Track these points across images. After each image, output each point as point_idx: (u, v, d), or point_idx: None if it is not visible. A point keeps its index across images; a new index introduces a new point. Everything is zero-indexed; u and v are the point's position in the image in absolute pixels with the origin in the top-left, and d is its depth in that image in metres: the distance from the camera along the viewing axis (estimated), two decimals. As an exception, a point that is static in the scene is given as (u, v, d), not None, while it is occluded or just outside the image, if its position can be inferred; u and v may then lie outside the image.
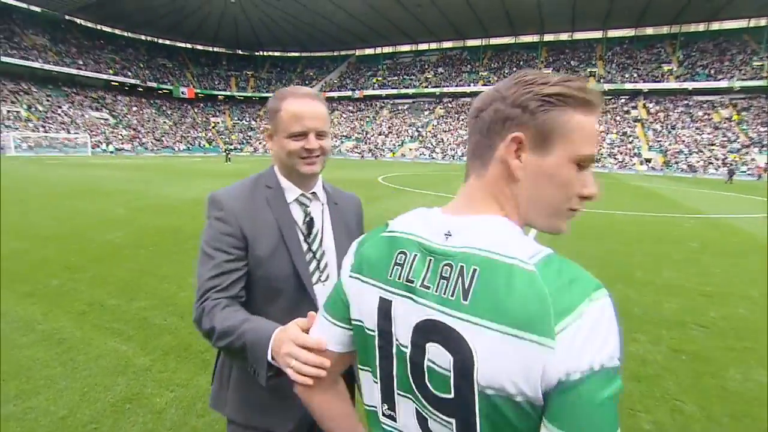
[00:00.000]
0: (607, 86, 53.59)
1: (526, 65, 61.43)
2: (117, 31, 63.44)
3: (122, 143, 48.31)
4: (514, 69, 61.19)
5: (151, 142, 51.88)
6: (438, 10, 55.39)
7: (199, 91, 65.99)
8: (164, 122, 58.23)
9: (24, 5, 52.57)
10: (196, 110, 65.38)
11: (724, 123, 47.00)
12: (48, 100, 48.90)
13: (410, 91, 63.46)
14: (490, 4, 52.83)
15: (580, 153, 0.64)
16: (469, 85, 61.10)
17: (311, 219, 1.21)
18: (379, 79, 67.64)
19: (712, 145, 44.29)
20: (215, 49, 74.88)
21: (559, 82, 0.64)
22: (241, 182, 1.22)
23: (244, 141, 62.43)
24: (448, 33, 64.81)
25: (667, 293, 4.97)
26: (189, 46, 72.18)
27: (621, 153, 45.96)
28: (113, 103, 55.92)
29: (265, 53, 77.87)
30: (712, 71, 50.90)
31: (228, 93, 69.72)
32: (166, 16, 58.75)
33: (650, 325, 4.03)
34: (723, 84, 48.85)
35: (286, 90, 1.16)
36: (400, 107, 64.31)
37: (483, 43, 66.61)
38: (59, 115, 47.59)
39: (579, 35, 62.33)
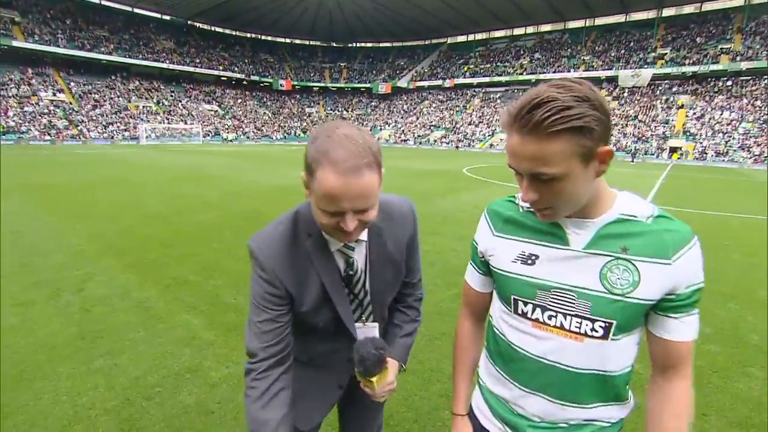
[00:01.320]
0: (745, 65, 45.42)
1: (638, 46, 54.87)
2: (227, 31, 69.69)
3: (228, 132, 53.42)
4: (623, 52, 55.19)
5: (253, 131, 56.60)
6: (537, -9, 51.72)
7: (295, 83, 70.13)
8: (264, 113, 63.00)
9: (157, 15, 60.55)
10: (292, 101, 69.74)
11: None
12: (172, 95, 55.72)
13: (504, 78, 60.46)
14: (597, -20, 47.85)
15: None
16: (569, 71, 56.34)
17: (354, 265, 1.12)
18: (471, 67, 65.58)
19: None
20: (311, 43, 78.71)
21: None
22: (278, 230, 1.07)
23: (336, 131, 65.12)
24: (546, 15, 60.40)
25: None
26: (288, 40, 76.72)
27: (758, 144, 39.00)
28: (222, 96, 61.89)
29: (357, 45, 79.92)
30: None
31: (322, 84, 73.04)
32: (268, 14, 63.22)
33: None
34: None
35: (325, 144, 0.89)
36: (492, 96, 61.76)
37: (587, 24, 60.91)
38: (179, 108, 54.00)
39: (710, 5, 53.52)
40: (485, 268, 1.06)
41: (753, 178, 22.03)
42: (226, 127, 54.97)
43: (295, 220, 1.08)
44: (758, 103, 43.31)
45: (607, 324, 0.85)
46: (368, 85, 71.87)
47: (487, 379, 1.07)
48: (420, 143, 56.02)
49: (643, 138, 44.42)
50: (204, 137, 49.26)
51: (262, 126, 59.62)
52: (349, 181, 0.86)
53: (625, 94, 51.63)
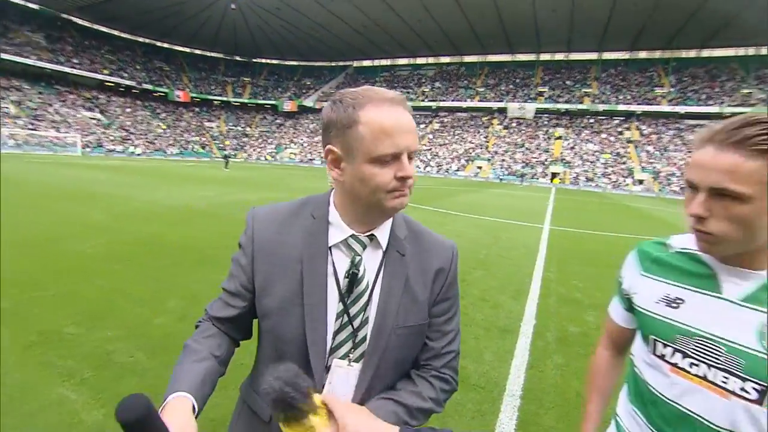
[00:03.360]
0: (601, 107, 54.25)
1: (522, 83, 62.02)
2: (115, 32, 62.86)
3: (113, 144, 47.46)
4: (511, 87, 61.87)
5: (144, 144, 51.04)
6: (436, 25, 55.82)
7: (194, 95, 65.60)
8: (158, 125, 57.47)
9: (21, 2, 51.95)
10: (190, 114, 64.83)
11: (716, 147, 47.42)
12: (39, 98, 47.95)
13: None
14: (487, 22, 53.33)
15: None
16: (465, 100, 61.45)
17: (357, 271, 0.87)
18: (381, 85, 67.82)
19: (704, 168, 44.55)
20: (213, 54, 74.68)
21: None
22: (288, 203, 0.96)
23: (239, 147, 61.87)
24: (445, 48, 65.34)
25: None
26: (187, 50, 71.86)
27: (615, 173, 46.15)
28: (107, 103, 55.09)
29: (262, 60, 77.83)
30: (703, 96, 51.78)
31: (223, 98, 69.32)
32: (165, 19, 58.57)
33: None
34: (713, 109, 49.69)
35: (357, 92, 0.81)
36: (396, 120, 64.40)
37: (480, 59, 67.23)
38: (50, 113, 46.64)
39: (574, 56, 63.20)
40: (628, 304, 1.05)
41: (616, 201, 25.65)
42: (112, 138, 48.78)
43: (305, 201, 0.96)
44: (611, 138, 51.66)
45: (763, 387, 0.78)
46: (273, 102, 70.13)
47: (623, 417, 1.04)
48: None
49: (530, 164, 49.62)
50: (83, 148, 43.03)
51: (155, 139, 54.14)
52: (400, 111, 0.80)
53: (514, 125, 57.53)
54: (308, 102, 68.21)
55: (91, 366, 2.97)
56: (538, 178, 47.06)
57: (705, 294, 0.86)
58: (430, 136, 58.41)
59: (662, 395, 0.91)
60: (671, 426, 0.89)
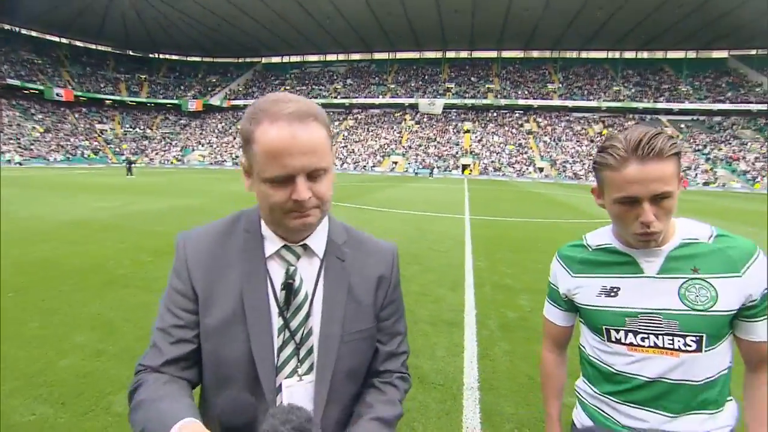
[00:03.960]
0: (503, 101, 58.52)
1: (431, 80, 64.53)
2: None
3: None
4: (420, 83, 64.00)
5: (15, 151, 44.02)
6: (346, 22, 55.76)
7: (80, 93, 57.91)
8: (33, 128, 49.98)
9: None
10: (76, 115, 57.18)
11: (597, 137, 53.87)
12: None
13: (319, 101, 62.83)
14: (395, 20, 54.56)
15: None
16: (377, 97, 62.33)
17: (293, 282, 0.84)
18: (287, 88, 65.95)
19: (590, 155, 50.34)
20: (99, 48, 66.82)
21: None
22: (219, 221, 0.91)
23: (138, 150, 56.10)
24: (355, 44, 65.61)
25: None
26: (65, 41, 63.35)
27: (518, 162, 50.08)
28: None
29: (161, 56, 71.51)
30: (585, 92, 58.34)
31: (117, 97, 62.28)
32: (33, 3, 50.77)
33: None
34: (593, 104, 56.41)
35: (264, 103, 0.77)
36: (309, 117, 63.42)
37: (390, 57, 68.61)
38: None
39: (477, 54, 67.24)
40: (568, 305, 1.18)
41: (522, 188, 27.87)
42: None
43: (236, 218, 0.91)
44: (514, 130, 56.12)
45: (698, 337, 0.96)
46: (176, 102, 64.71)
47: (596, 407, 1.13)
48: (238, 164, 53.14)
49: (442, 157, 51.92)
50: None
51: (32, 144, 47.02)
52: (296, 130, 0.74)
53: (425, 120, 59.68)
54: (215, 101, 64.16)
55: (-19, 429, 2.41)
56: (450, 170, 49.41)
57: (633, 277, 1.02)
58: (345, 134, 58.40)
59: (628, 373, 1.04)
60: (642, 394, 1.02)
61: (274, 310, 0.84)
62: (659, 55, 61.94)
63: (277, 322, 0.83)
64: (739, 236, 1.00)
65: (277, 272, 0.85)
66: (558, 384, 1.27)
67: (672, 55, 61.42)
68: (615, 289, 1.04)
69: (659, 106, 54.47)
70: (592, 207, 16.83)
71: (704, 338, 0.96)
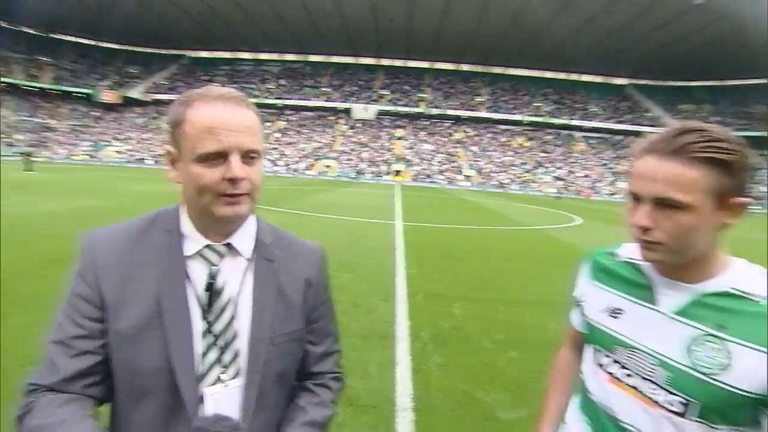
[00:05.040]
0: (434, 111, 60.63)
1: (365, 86, 65.02)
2: None
3: None
4: (355, 88, 64.22)
5: None
6: (280, 21, 54.34)
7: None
8: None
9: None
10: (-48, 99, 49.35)
11: (520, 148, 57.77)
12: None
13: (251, 100, 60.28)
14: (331, 22, 54.30)
15: None
16: (311, 99, 61.47)
17: (215, 284, 0.80)
18: (216, 85, 62.41)
19: (514, 165, 53.81)
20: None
21: None
22: (133, 220, 0.85)
23: (38, 143, 49.59)
24: (290, 45, 64.22)
25: (549, 311, 4.94)
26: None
27: (448, 170, 51.98)
28: None
29: (67, 38, 64.09)
30: (510, 106, 62.34)
31: (9, 80, 54.61)
32: None
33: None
34: (517, 117, 60.53)
35: (195, 91, 0.79)
36: (239, 116, 60.90)
37: (325, 59, 68.01)
38: None
39: (412, 63, 68.93)
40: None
41: (453, 195, 28.85)
42: None
43: (154, 217, 0.85)
44: (444, 139, 58.27)
45: (685, 401, 0.78)
46: (87, 91, 58.30)
47: (571, 424, 1.04)
48: (160, 163, 49.30)
49: (375, 162, 52.36)
50: None
51: None
52: (232, 109, 0.76)
53: (359, 125, 59.89)
54: (134, 93, 58.97)
55: None
56: (382, 176, 49.95)
57: (642, 305, 0.87)
58: (278, 135, 56.72)
59: (603, 405, 0.92)
60: None
61: (195, 313, 0.78)
62: (574, 77, 67.94)
63: (199, 326, 0.78)
64: None
65: (198, 273, 0.80)
66: (565, 379, 1.12)
67: (584, 78, 67.74)
68: (619, 311, 0.90)
69: (573, 123, 59.76)
70: (520, 215, 17.77)
71: (695, 405, 0.77)
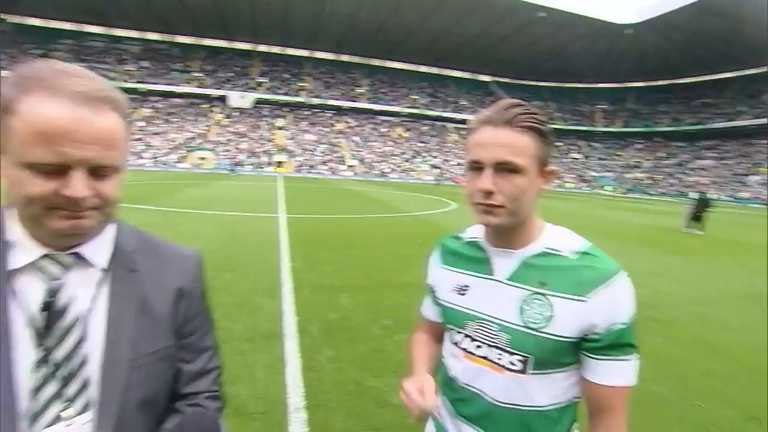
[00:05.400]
0: (315, 100, 59.86)
1: (242, 72, 61.24)
2: None
3: None
4: (230, 75, 60.01)
5: None
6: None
7: None
8: None
9: None
10: None
11: (399, 139, 60.48)
12: None
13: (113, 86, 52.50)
14: (201, 1, 49.64)
15: None
16: (180, 85, 55.65)
17: (56, 302, 0.66)
18: (65, 64, 52.68)
19: (394, 155, 56.13)
20: None
21: None
22: None
23: None
24: (152, 23, 57.02)
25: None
26: None
27: (331, 161, 52.01)
28: None
29: None
30: (389, 98, 64.62)
31: None
32: None
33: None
34: (396, 109, 63.14)
35: (42, 71, 0.60)
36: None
37: (195, 42, 62.13)
38: None
39: (290, 51, 66.80)
40: (435, 298, 1.09)
41: (337, 185, 28.96)
42: None
43: None
44: (326, 129, 58.03)
45: (524, 358, 0.86)
46: None
47: (441, 410, 1.05)
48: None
49: (255, 153, 49.92)
50: None
51: None
52: (84, 114, 0.59)
53: (236, 114, 56.28)
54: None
55: None
56: (264, 168, 47.94)
57: (483, 278, 0.93)
58: (142, 123, 50.26)
59: (459, 381, 0.95)
60: (467, 408, 0.94)
61: (24, 340, 0.64)
62: (446, 72, 73.07)
63: (30, 355, 0.64)
64: (606, 257, 0.86)
65: (31, 289, 0.66)
66: (427, 348, 1.10)
67: (455, 74, 73.35)
68: (465, 288, 0.95)
69: (446, 115, 64.48)
70: (401, 202, 18.58)
71: (530, 360, 0.85)
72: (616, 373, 0.83)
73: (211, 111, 55.92)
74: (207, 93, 56.43)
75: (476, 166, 0.84)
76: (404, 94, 66.48)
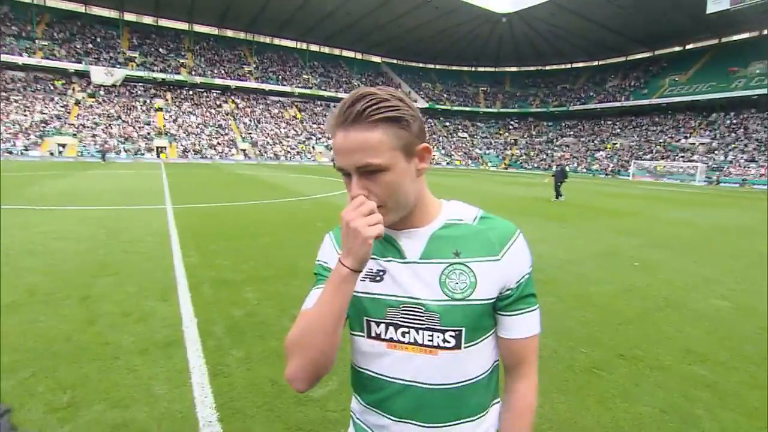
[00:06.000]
0: (198, 79, 54.73)
1: (107, 44, 53.10)
2: None
3: None
4: (91, 47, 51.80)
5: None
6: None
7: None
8: None
9: None
10: None
11: (293, 120, 58.59)
12: None
13: None
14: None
15: None
16: (20, 55, 46.05)
17: None
18: None
19: (288, 137, 54.31)
20: None
21: None
22: None
23: None
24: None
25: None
26: None
27: (220, 144, 48.44)
28: None
29: None
30: (279, 77, 61.75)
31: None
32: None
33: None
34: (287, 89, 60.65)
35: None
36: None
37: (37, 2, 51.89)
38: None
39: (165, 22, 59.77)
40: None
41: (227, 170, 27.13)
42: None
43: None
44: (213, 111, 53.91)
45: (456, 332, 0.84)
46: None
47: (358, 416, 0.98)
48: None
49: (131, 138, 44.30)
50: None
51: None
52: None
53: (102, 93, 49.03)
54: None
55: None
56: (144, 154, 42.87)
57: (396, 262, 0.88)
58: (-31, 102, 41.02)
59: (386, 377, 0.88)
60: (399, 404, 0.88)
61: None
62: (337, 51, 72.04)
63: None
64: (499, 217, 0.90)
65: None
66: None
67: (345, 53, 72.69)
68: (381, 273, 0.89)
69: (340, 95, 63.81)
70: (299, 185, 18.05)
71: (463, 332, 0.84)
72: (526, 325, 0.88)
73: (69, 88, 47.83)
74: (59, 66, 47.71)
75: (345, 172, 0.81)
76: (296, 73, 64.13)
